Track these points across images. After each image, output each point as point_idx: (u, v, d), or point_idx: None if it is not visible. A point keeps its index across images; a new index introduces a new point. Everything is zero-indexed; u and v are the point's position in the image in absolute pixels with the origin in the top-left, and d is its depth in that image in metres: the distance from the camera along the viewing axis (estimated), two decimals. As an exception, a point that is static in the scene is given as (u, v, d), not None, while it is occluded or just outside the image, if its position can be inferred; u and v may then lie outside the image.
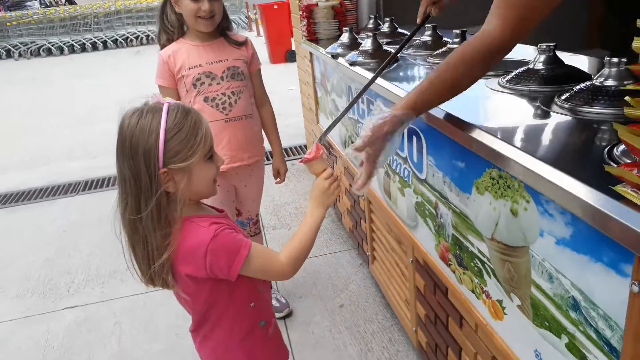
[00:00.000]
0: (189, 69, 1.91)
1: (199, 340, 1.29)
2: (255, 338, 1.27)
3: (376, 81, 1.71)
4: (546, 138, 1.07)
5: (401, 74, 1.88)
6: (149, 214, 1.07)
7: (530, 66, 1.41)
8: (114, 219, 1.12)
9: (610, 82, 1.13)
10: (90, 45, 13.48)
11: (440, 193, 1.43)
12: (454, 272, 1.44)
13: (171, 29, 1.93)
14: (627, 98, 0.72)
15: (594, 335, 0.87)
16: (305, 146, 4.42)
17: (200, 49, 1.93)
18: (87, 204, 3.90)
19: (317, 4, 2.78)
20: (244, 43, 2.03)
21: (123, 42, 13.65)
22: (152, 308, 2.51)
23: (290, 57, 8.82)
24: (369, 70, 1.92)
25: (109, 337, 2.36)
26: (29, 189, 4.33)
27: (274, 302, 2.37)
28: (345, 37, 2.36)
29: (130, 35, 13.72)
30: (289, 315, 2.36)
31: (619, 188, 0.72)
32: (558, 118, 1.14)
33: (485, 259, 1.23)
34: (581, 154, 0.98)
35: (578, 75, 1.35)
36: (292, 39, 9.06)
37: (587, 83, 1.18)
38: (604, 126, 1.06)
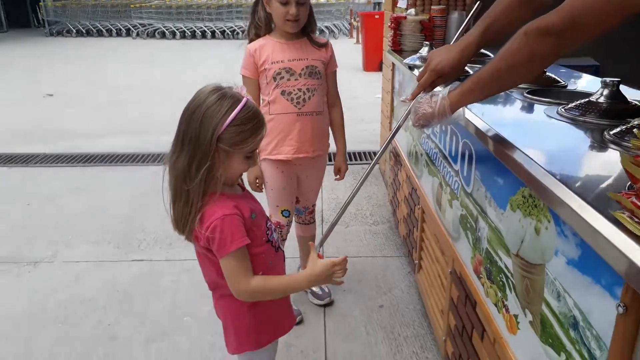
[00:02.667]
0: (272, 63, 2.09)
1: (215, 298, 1.45)
2: (262, 304, 1.39)
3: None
4: (578, 165, 1.11)
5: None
6: (199, 172, 1.22)
7: (592, 98, 1.42)
8: (164, 170, 1.29)
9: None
10: (199, 33, 14.38)
11: (482, 207, 1.48)
12: (482, 285, 1.49)
13: (260, 25, 2.12)
14: (635, 130, 0.77)
15: (586, 355, 0.91)
16: (374, 153, 4.51)
17: (284, 47, 2.10)
18: (170, 174, 4.24)
19: (405, 17, 2.87)
20: (324, 45, 2.18)
21: (230, 33, 14.42)
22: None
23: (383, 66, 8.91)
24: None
25: (165, 291, 2.60)
26: (124, 153, 4.78)
27: (317, 290, 2.49)
28: (424, 51, 2.43)
29: (237, 28, 14.46)
30: (330, 304, 2.48)
31: (617, 214, 0.77)
32: (600, 150, 1.17)
33: (509, 274, 1.28)
34: (606, 184, 1.01)
35: (637, 111, 1.35)
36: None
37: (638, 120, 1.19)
38: None
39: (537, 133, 1.38)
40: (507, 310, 1.30)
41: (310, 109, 2.16)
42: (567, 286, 0.98)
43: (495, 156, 1.31)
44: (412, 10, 2.92)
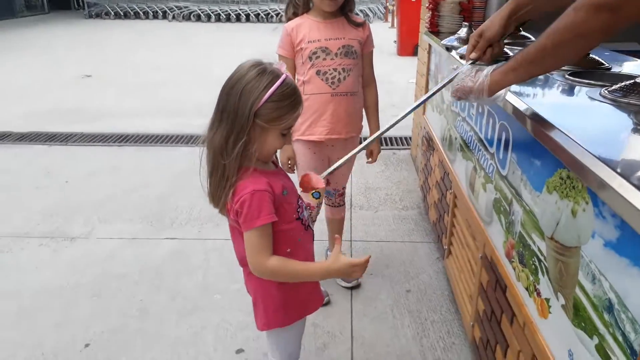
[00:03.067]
0: (309, 42, 2.08)
1: (246, 274, 1.46)
2: (291, 283, 1.40)
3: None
4: (620, 147, 1.07)
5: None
6: (236, 147, 1.23)
7: (638, 80, 1.37)
8: (201, 149, 1.31)
9: None
10: (234, 17, 14.43)
11: (517, 190, 1.45)
12: (514, 269, 1.46)
13: (298, 3, 2.12)
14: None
15: (620, 338, 0.89)
16: (410, 138, 4.46)
17: (321, 26, 2.09)
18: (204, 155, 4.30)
19: (445, -2, 2.81)
20: (361, 24, 2.15)
21: (264, 17, 14.43)
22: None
23: (417, 51, 8.77)
24: (461, 57, 1.95)
25: (197, 269, 2.65)
26: (159, 133, 4.87)
27: (345, 273, 2.50)
28: (463, 32, 2.38)
29: (272, 11, 14.46)
30: (357, 287, 2.48)
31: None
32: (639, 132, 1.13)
33: (542, 258, 1.25)
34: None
35: (687, 95, 1.29)
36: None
37: (687, 102, 1.14)
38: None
39: (578, 114, 1.34)
40: (538, 294, 1.27)
41: (345, 89, 2.14)
42: (603, 268, 0.95)
43: (533, 137, 1.28)
44: (450, -9, 2.85)
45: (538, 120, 1.26)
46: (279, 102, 1.24)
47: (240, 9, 14.53)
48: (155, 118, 5.41)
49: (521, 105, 1.40)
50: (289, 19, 2.15)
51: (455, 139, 2.27)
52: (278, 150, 1.50)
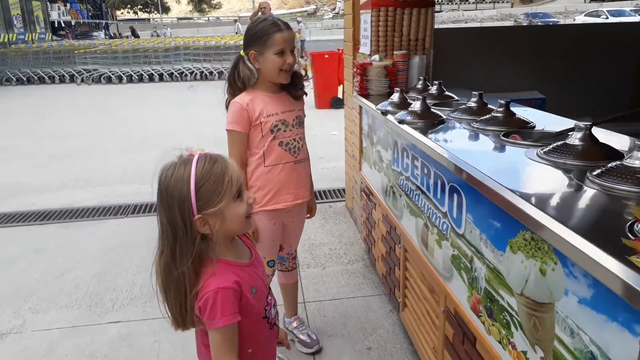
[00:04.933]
0: (268, 116, 2.10)
1: None
2: None
3: (424, 142, 1.89)
4: (576, 209, 1.20)
5: (443, 135, 2.03)
6: (185, 256, 1.21)
7: (568, 141, 1.54)
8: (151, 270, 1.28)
9: (638, 164, 1.26)
10: (147, 77, 14.26)
11: (477, 248, 1.56)
12: (483, 323, 1.55)
13: (241, 85, 2.11)
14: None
15: (608, 388, 0.97)
16: (344, 190, 4.59)
17: (274, 99, 2.14)
18: (135, 226, 4.14)
19: (371, 63, 3.00)
20: (301, 97, 2.24)
21: (178, 76, 14.40)
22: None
23: (335, 103, 9.15)
24: (415, 129, 2.09)
25: (149, 353, 2.52)
26: (83, 207, 4.63)
27: (305, 337, 2.48)
28: (395, 97, 2.55)
29: (186, 70, 14.47)
30: (319, 352, 2.47)
31: (634, 259, 0.85)
32: (589, 192, 1.27)
33: (513, 313, 1.34)
34: (606, 227, 1.10)
35: (611, 153, 1.48)
36: (340, 88, 9.41)
37: (618, 162, 1.30)
38: (629, 203, 1.18)
39: (524, 176, 1.48)
40: (513, 347, 1.36)
41: (303, 157, 2.23)
42: (580, 324, 1.05)
43: (492, 201, 1.39)
44: (376, 57, 3.06)
45: (494, 185, 1.38)
46: (208, 181, 1.22)
47: (152, 69, 14.40)
48: (76, 190, 5.15)
49: (471, 169, 1.52)
50: (233, 94, 2.15)
51: (400, 196, 2.39)
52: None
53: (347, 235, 3.83)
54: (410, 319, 2.40)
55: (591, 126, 1.51)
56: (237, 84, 2.12)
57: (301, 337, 2.50)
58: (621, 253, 0.91)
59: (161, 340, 2.61)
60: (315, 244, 3.70)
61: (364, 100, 2.94)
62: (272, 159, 2.15)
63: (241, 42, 2.14)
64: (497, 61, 3.60)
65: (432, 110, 2.27)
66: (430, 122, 2.18)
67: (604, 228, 1.09)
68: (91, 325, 2.78)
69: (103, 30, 22.82)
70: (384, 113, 2.48)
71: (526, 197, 1.25)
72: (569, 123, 2.08)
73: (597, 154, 1.47)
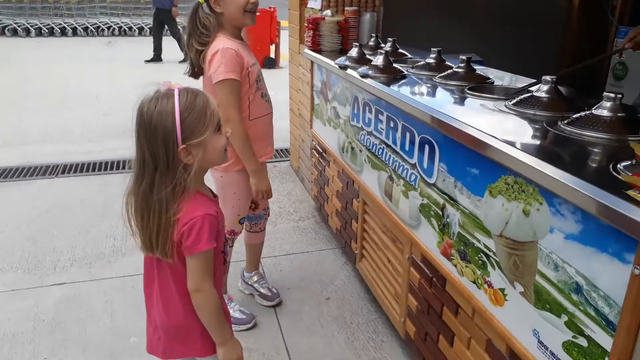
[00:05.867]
0: (252, 65, 2.01)
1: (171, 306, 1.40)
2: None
3: (394, 95, 1.92)
4: (556, 153, 1.29)
5: (409, 89, 2.08)
6: (164, 184, 1.23)
7: (535, 94, 1.63)
8: (123, 199, 1.28)
9: (606, 113, 1.37)
10: (59, 30, 13.16)
11: (450, 196, 1.63)
12: (455, 265, 1.64)
13: (206, 32, 1.95)
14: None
15: (592, 313, 1.08)
16: (287, 150, 4.57)
17: (245, 47, 2.05)
18: (67, 187, 3.90)
19: (324, 18, 2.97)
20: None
21: (94, 30, 13.42)
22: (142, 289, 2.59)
23: (268, 63, 8.98)
24: (379, 82, 2.12)
25: (102, 313, 2.42)
26: (5, 167, 4.27)
27: (265, 291, 2.50)
28: (354, 52, 2.55)
29: (102, 25, 13.50)
30: (279, 304, 2.50)
31: (632, 193, 0.93)
32: (564, 138, 1.36)
33: (490, 253, 1.43)
34: (589, 167, 1.19)
35: (574, 105, 1.58)
36: (273, 47, 9.20)
37: (587, 112, 1.41)
38: (599, 148, 1.29)
39: (500, 125, 1.55)
40: (489, 285, 1.45)
41: (272, 108, 2.21)
42: (566, 257, 1.14)
43: (467, 146, 1.45)
44: (328, 12, 3.02)
45: (474, 132, 1.44)
46: (192, 112, 1.24)
47: (65, 22, 13.27)
48: (-5, 150, 4.73)
49: (447, 118, 1.58)
50: (198, 51, 1.98)
51: (361, 151, 2.42)
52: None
53: (295, 194, 3.84)
54: (368, 269, 2.49)
55: (556, 80, 1.61)
56: (200, 32, 1.96)
57: (262, 290, 2.51)
58: (615, 188, 0.99)
59: (113, 300, 2.52)
60: (274, 204, 3.67)
61: (317, 55, 2.92)
62: (256, 112, 2.08)
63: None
64: (441, 21, 3.68)
65: (394, 65, 2.30)
66: (392, 77, 2.21)
67: (589, 168, 1.18)
68: (33, 288, 2.62)
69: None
70: (344, 68, 2.48)
71: (508, 142, 1.32)
72: (518, 79, 2.21)
73: (563, 106, 1.58)
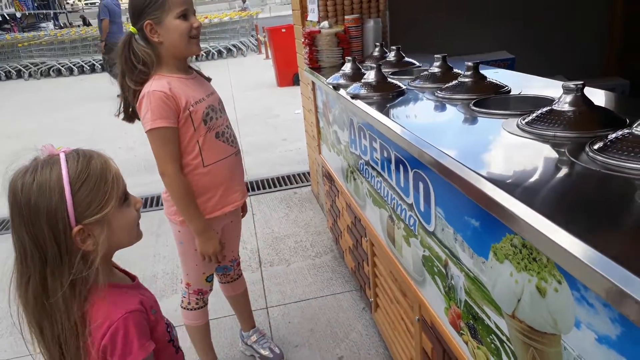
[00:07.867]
0: (195, 103, 1.68)
1: None
2: None
3: (379, 119, 1.56)
4: (579, 203, 0.88)
5: (403, 110, 1.70)
6: (59, 282, 0.93)
7: (555, 107, 1.22)
8: (8, 298, 0.97)
9: (655, 132, 0.95)
10: (99, 67, 13.50)
11: (451, 251, 1.24)
12: (466, 343, 1.24)
13: (144, 69, 1.63)
14: None
15: None
16: (308, 173, 4.25)
17: (190, 82, 1.72)
18: None
19: (319, 31, 2.63)
20: (209, 79, 1.87)
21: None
22: None
23: (297, 80, 8.71)
24: (370, 104, 1.75)
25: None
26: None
27: (267, 352, 2.17)
28: (347, 67, 2.19)
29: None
30: (283, 366, 2.17)
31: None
32: (592, 174, 0.95)
33: (504, 338, 1.03)
34: (629, 229, 0.78)
35: (611, 119, 1.16)
36: (300, 63, 8.95)
37: (625, 131, 0.99)
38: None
39: (505, 158, 1.15)
40: (506, 379, 1.06)
41: (238, 145, 1.88)
42: (602, 370, 0.74)
43: (466, 195, 1.07)
44: (325, 23, 2.68)
45: (465, 174, 1.05)
46: (87, 180, 0.96)
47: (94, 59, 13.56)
48: None
49: (433, 151, 1.20)
50: (137, 82, 1.66)
51: (362, 183, 2.06)
52: None
53: (313, 224, 3.50)
54: (384, 322, 2.10)
55: (583, 86, 1.19)
56: (136, 68, 1.63)
57: (262, 352, 2.18)
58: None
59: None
60: (279, 237, 3.36)
61: (314, 73, 2.58)
62: (212, 157, 1.73)
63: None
64: (461, 21, 3.26)
65: (389, 80, 1.93)
66: (387, 95, 1.84)
67: (626, 233, 0.77)
68: None
69: (52, 21, 21.64)
70: (336, 87, 2.14)
71: (510, 188, 0.93)
72: (548, 83, 1.78)
73: (594, 121, 1.16)
